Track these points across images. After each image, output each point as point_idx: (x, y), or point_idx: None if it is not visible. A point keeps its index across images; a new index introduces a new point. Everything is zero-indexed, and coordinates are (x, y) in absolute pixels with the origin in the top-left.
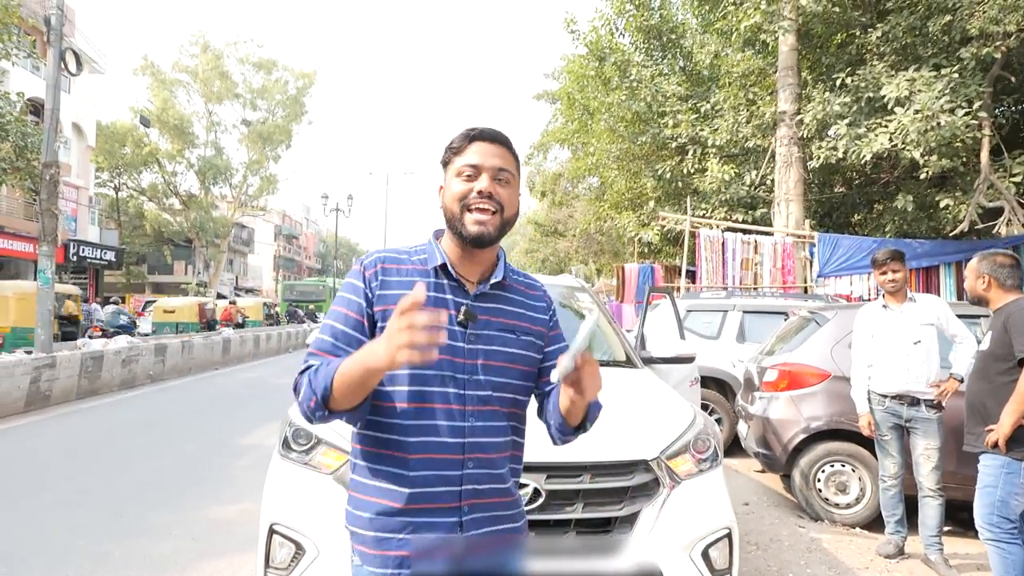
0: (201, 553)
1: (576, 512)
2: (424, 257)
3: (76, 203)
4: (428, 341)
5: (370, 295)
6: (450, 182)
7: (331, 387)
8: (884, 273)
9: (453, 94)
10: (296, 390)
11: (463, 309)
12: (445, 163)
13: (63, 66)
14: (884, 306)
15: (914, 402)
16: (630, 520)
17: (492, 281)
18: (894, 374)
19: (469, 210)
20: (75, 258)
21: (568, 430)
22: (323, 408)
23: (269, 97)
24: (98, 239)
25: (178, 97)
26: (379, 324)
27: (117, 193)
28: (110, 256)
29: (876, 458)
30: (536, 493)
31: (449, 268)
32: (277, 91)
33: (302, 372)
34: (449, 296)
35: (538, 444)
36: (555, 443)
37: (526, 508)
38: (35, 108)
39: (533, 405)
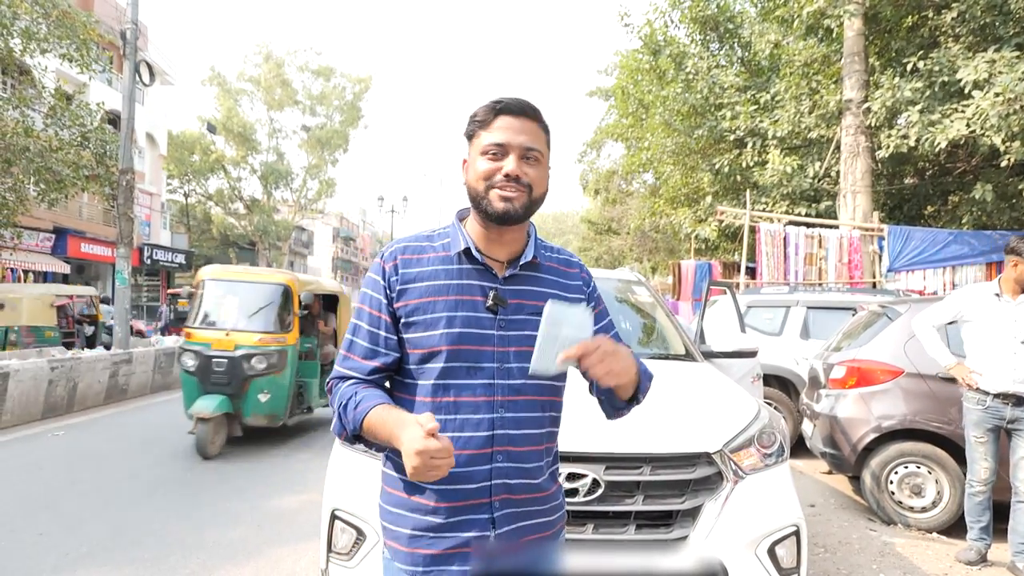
0: (267, 540)
1: (636, 504)
2: (447, 242)
3: (150, 209)
4: (441, 470)
5: (390, 292)
6: (475, 159)
7: (360, 429)
8: (1016, 265)
9: (507, 92)
10: (331, 402)
11: (492, 294)
12: (469, 136)
13: (138, 77)
14: (996, 294)
15: (1019, 401)
16: (692, 514)
17: (522, 262)
18: (999, 372)
19: (494, 187)
20: (149, 261)
21: (620, 404)
22: (356, 442)
23: (327, 103)
24: (169, 243)
25: (242, 105)
26: (402, 320)
27: (186, 199)
28: (180, 259)
29: (954, 459)
30: (595, 484)
31: (473, 252)
32: (335, 97)
33: (336, 381)
34: (476, 282)
35: (597, 434)
36: (608, 418)
37: (585, 499)
38: (111, 119)
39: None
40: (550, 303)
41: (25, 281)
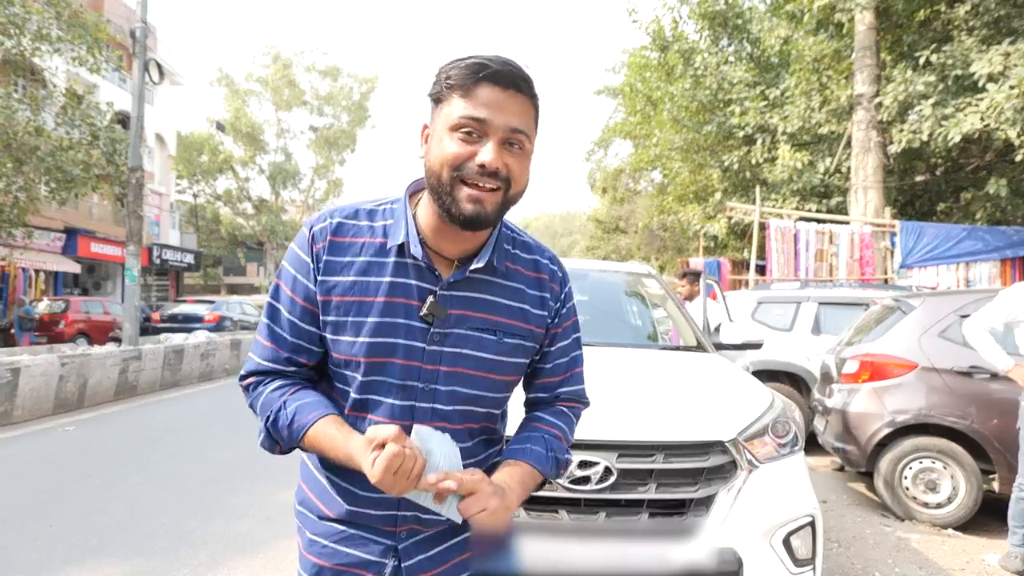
0: (276, 533)
1: (649, 492)
2: (389, 224)
3: (159, 209)
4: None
5: (317, 276)
6: (442, 134)
7: (301, 442)
8: None
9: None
10: (252, 406)
11: (429, 301)
12: (436, 99)
13: (147, 75)
14: None
15: None
16: (706, 503)
17: (474, 266)
18: None
19: (464, 183)
20: (159, 261)
21: None
22: (287, 452)
23: (335, 103)
24: (178, 243)
25: (250, 106)
26: (321, 318)
27: (195, 199)
28: (189, 259)
29: (970, 454)
30: (607, 472)
31: (413, 249)
32: (342, 97)
33: (254, 379)
34: (413, 282)
35: (610, 421)
36: None
37: (597, 487)
38: (122, 120)
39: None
40: (415, 430)
41: (36, 280)
